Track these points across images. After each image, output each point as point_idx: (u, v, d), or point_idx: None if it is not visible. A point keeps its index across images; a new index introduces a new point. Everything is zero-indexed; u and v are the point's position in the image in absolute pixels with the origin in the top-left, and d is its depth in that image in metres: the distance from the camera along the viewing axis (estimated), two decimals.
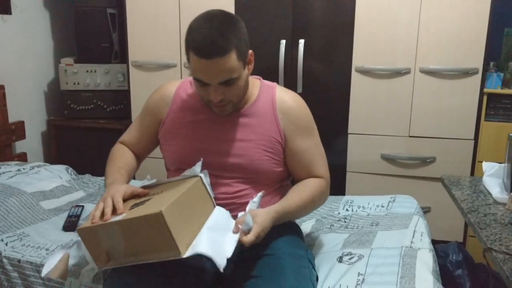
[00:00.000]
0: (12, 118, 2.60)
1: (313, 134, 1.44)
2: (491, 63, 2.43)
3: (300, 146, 1.40)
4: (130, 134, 1.54)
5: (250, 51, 1.32)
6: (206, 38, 1.20)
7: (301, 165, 1.42)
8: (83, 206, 1.91)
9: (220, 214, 1.30)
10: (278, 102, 1.40)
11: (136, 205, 1.21)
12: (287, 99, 1.42)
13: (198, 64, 1.22)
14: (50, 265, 1.29)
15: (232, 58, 1.22)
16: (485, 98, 2.32)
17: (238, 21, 1.28)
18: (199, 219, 1.22)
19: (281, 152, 1.41)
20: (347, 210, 1.87)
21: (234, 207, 1.36)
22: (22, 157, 2.67)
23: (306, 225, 1.75)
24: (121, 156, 1.48)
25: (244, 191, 1.38)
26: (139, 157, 1.55)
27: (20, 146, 2.73)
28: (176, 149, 1.42)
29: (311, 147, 1.42)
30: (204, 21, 1.24)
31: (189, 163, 1.35)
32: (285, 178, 1.48)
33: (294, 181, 1.48)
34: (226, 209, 1.34)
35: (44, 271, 1.29)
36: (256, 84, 1.44)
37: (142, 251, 1.14)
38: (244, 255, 1.31)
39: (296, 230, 1.49)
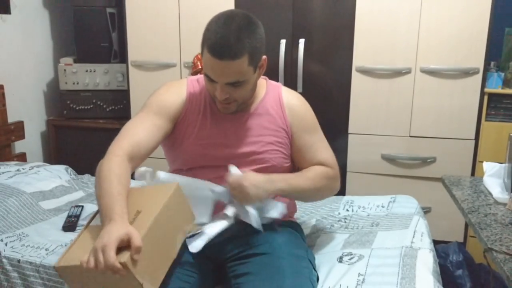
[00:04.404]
0: (11, 118, 2.60)
1: (317, 130, 1.49)
2: (492, 63, 2.43)
3: (307, 141, 1.45)
4: (140, 134, 1.34)
5: (264, 56, 1.35)
6: (222, 39, 1.21)
7: (308, 158, 1.46)
8: (82, 206, 1.90)
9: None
10: (285, 100, 1.46)
11: None
12: (292, 97, 1.48)
13: (210, 61, 1.25)
14: None
15: (243, 63, 1.24)
16: (485, 98, 2.32)
17: (257, 26, 1.29)
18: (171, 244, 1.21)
19: (289, 147, 1.45)
20: (347, 210, 1.87)
21: None
22: (22, 157, 2.67)
23: (306, 226, 1.75)
24: (119, 176, 1.23)
25: None
26: (137, 162, 1.35)
27: (19, 146, 2.73)
28: (189, 148, 1.41)
29: (316, 142, 1.47)
30: (224, 20, 1.25)
31: (203, 162, 1.39)
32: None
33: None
34: None
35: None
36: (263, 84, 1.48)
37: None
38: (245, 254, 1.32)
39: (297, 229, 1.50)
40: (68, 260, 1.12)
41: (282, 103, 1.45)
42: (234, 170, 1.32)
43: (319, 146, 1.47)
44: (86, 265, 1.04)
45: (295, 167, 1.51)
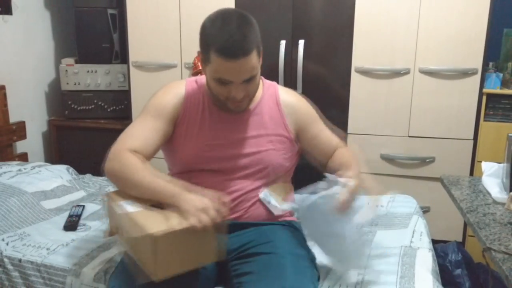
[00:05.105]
0: (13, 118, 2.61)
1: (319, 119, 1.53)
2: (490, 64, 2.44)
3: (315, 130, 1.49)
4: (140, 138, 1.35)
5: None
6: (230, 40, 1.22)
7: (322, 145, 1.50)
8: (83, 206, 1.92)
9: None
10: (282, 98, 1.47)
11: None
12: (289, 95, 1.50)
13: (223, 65, 1.25)
14: None
15: (254, 57, 1.27)
16: (484, 98, 2.33)
17: (251, 18, 1.31)
18: None
19: (289, 148, 1.45)
20: None
21: (245, 206, 1.39)
22: (23, 157, 2.68)
23: None
24: (146, 166, 1.29)
25: (256, 189, 1.41)
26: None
27: (21, 146, 2.74)
28: (189, 150, 1.41)
29: (323, 129, 1.52)
30: (223, 21, 1.25)
31: (201, 164, 1.39)
32: (290, 175, 1.52)
33: (322, 163, 1.52)
34: (236, 208, 1.38)
35: None
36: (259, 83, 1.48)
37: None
38: (246, 253, 1.33)
39: (298, 229, 1.50)
40: (161, 228, 1.11)
41: (279, 102, 1.46)
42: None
43: (327, 131, 1.52)
44: (199, 224, 1.12)
45: (293, 166, 1.52)
